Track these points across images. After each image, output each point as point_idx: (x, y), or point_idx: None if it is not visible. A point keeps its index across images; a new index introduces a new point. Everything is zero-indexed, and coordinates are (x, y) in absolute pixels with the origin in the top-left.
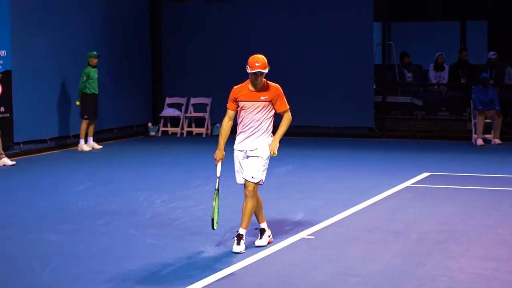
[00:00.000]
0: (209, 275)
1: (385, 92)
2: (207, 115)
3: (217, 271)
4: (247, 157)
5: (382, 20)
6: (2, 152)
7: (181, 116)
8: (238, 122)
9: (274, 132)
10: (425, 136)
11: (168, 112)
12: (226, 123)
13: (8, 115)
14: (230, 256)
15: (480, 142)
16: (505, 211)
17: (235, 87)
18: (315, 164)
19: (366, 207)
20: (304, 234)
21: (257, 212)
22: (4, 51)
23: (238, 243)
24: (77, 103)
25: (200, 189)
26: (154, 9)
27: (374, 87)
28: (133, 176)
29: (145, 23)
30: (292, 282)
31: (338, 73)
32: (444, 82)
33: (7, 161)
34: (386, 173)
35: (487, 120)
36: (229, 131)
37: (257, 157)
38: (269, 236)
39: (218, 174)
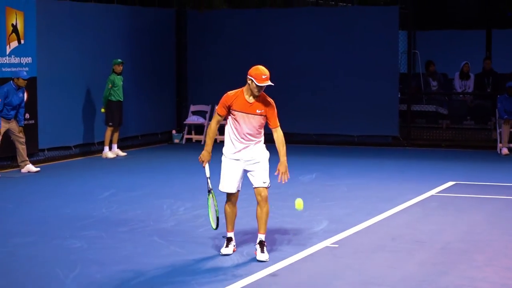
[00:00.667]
0: (233, 283)
1: (410, 100)
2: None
3: (241, 279)
4: (245, 168)
5: (407, 29)
6: (27, 158)
7: (205, 124)
8: (231, 130)
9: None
10: (450, 145)
11: (192, 119)
12: (215, 126)
13: (33, 121)
14: (253, 264)
15: (505, 151)
16: None
17: (229, 93)
18: (339, 172)
19: (391, 215)
20: (328, 242)
21: (231, 219)
22: (30, 58)
23: (262, 251)
24: (102, 110)
25: (224, 197)
26: (179, 17)
27: (399, 96)
28: (157, 183)
29: (170, 31)
30: None
31: (363, 81)
32: (470, 91)
33: (31, 167)
34: (411, 181)
35: None
36: (216, 134)
37: (259, 162)
38: (233, 245)
39: (208, 174)
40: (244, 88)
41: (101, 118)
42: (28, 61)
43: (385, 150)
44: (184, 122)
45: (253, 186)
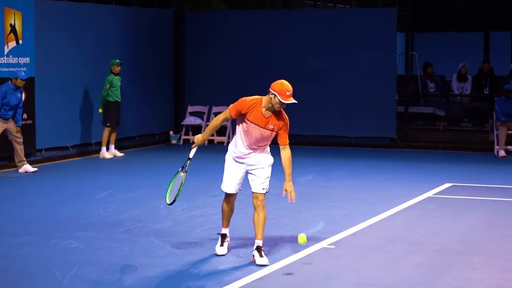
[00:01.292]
0: (229, 284)
1: (407, 102)
2: (228, 124)
3: (237, 280)
4: (248, 171)
5: (405, 31)
6: (24, 158)
7: (203, 125)
8: (241, 135)
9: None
10: (447, 147)
11: (190, 120)
12: (220, 123)
13: (31, 122)
14: (250, 265)
15: (502, 153)
16: None
17: (247, 100)
18: (336, 173)
19: (387, 217)
20: (324, 243)
21: (228, 216)
22: (28, 58)
23: (261, 255)
24: (100, 110)
25: (221, 198)
26: (177, 18)
27: (397, 97)
28: (154, 184)
29: (168, 32)
30: None
31: (361, 83)
32: (467, 93)
33: (29, 167)
34: (408, 183)
35: (510, 132)
36: (217, 128)
37: (263, 168)
38: (227, 241)
39: (191, 156)
40: (264, 99)
41: (99, 118)
42: (26, 61)
43: (382, 151)
44: (182, 123)
45: (252, 190)
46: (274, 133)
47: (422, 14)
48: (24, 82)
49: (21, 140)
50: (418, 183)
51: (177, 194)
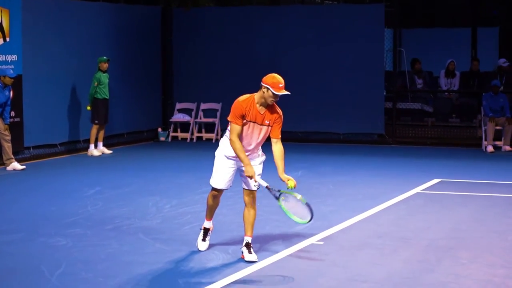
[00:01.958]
0: (218, 280)
1: (395, 98)
2: (217, 121)
3: (226, 276)
4: (240, 168)
5: (393, 27)
6: (12, 156)
7: (191, 122)
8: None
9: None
10: (435, 143)
11: (178, 117)
12: (238, 140)
13: (19, 119)
14: (238, 262)
15: (490, 149)
16: None
17: (241, 102)
18: (324, 170)
19: (376, 213)
20: (313, 240)
21: (213, 210)
22: (15, 55)
23: (250, 252)
24: (88, 108)
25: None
26: (165, 15)
27: (385, 94)
28: (143, 181)
29: (156, 29)
30: None
31: (349, 79)
32: (455, 88)
33: (17, 165)
34: (396, 179)
35: (498, 127)
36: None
37: (254, 165)
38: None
39: (265, 184)
40: (256, 96)
41: (87, 116)
42: (13, 58)
43: (371, 147)
44: (170, 120)
45: (243, 187)
46: (269, 128)
47: (410, 10)
48: (12, 80)
49: (9, 138)
50: (407, 179)
51: (304, 202)
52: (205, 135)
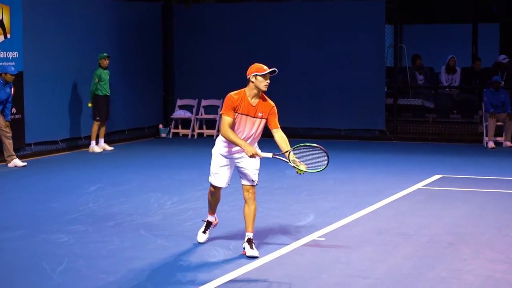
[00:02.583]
0: (219, 277)
1: (396, 94)
2: (218, 117)
3: (227, 273)
4: (237, 164)
5: (394, 23)
6: (13, 153)
7: (192, 118)
8: (233, 129)
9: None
10: (436, 139)
11: (179, 114)
12: (231, 129)
13: (20, 116)
14: (240, 258)
15: (491, 144)
16: None
17: (233, 95)
18: None
19: (377, 209)
20: (314, 236)
21: (214, 205)
22: (16, 52)
23: (251, 247)
24: (89, 104)
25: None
26: (166, 11)
27: (386, 90)
28: (144, 177)
29: (157, 25)
30: (302, 284)
31: (350, 75)
32: (456, 84)
33: (18, 162)
34: (397, 175)
35: (499, 123)
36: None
37: (251, 161)
38: (214, 226)
39: (270, 154)
40: (246, 90)
41: (88, 112)
42: (14, 55)
43: (372, 144)
44: (171, 116)
45: (242, 183)
46: (263, 121)
47: (411, 5)
48: (13, 77)
49: (10, 134)
50: (408, 175)
51: (307, 145)
52: (206, 132)
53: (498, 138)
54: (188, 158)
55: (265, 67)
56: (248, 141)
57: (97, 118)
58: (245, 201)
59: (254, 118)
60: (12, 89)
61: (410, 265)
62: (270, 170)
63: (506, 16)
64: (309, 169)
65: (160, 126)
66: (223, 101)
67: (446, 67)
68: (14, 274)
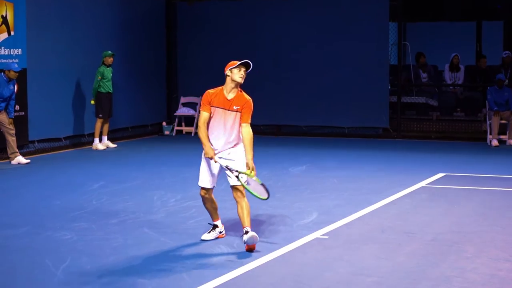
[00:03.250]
0: (223, 274)
1: (400, 92)
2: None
3: (231, 270)
4: (224, 167)
5: (397, 20)
6: (17, 150)
7: (196, 116)
8: (211, 125)
9: None
10: (440, 137)
11: (182, 111)
12: (204, 127)
13: (23, 113)
14: (243, 255)
15: (495, 143)
16: None
17: (209, 91)
18: (329, 164)
19: (381, 207)
20: (318, 234)
21: (214, 211)
22: (20, 49)
23: (248, 233)
24: (92, 102)
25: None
26: (169, 8)
27: (389, 87)
28: (147, 175)
29: (160, 23)
30: (305, 282)
31: (354, 73)
32: (460, 82)
33: (21, 159)
34: (401, 173)
35: (502, 121)
36: (207, 132)
37: (235, 160)
38: (220, 232)
39: (225, 164)
40: (225, 85)
41: (91, 110)
42: (18, 52)
43: (375, 141)
44: (175, 114)
45: (231, 185)
46: (239, 114)
47: (414, 3)
48: (17, 74)
49: (13, 131)
50: (411, 173)
51: (260, 182)
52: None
53: (502, 136)
54: (191, 156)
55: (238, 61)
56: (225, 134)
57: (100, 116)
58: (237, 202)
59: (230, 111)
60: (16, 86)
61: (414, 263)
62: (272, 168)
63: (510, 13)
64: (255, 192)
65: (164, 123)
66: None
67: (450, 65)
68: (18, 271)
